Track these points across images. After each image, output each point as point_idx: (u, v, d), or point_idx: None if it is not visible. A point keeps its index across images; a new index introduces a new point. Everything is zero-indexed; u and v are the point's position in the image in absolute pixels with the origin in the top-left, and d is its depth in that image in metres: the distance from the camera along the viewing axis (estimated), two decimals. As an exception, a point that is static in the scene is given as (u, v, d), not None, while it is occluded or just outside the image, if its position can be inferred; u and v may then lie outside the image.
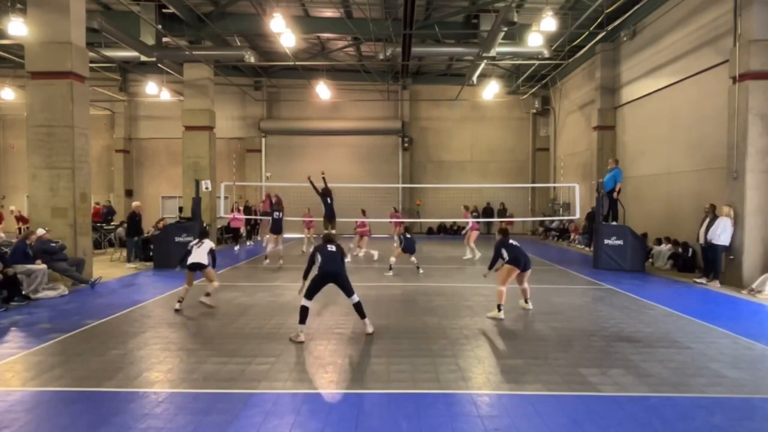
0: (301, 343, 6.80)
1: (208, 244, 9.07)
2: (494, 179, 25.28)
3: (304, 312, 6.98)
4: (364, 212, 16.58)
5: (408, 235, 13.05)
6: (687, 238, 13.47)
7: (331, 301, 9.57)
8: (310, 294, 7.09)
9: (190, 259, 8.84)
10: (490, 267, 8.66)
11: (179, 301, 8.75)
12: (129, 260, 14.32)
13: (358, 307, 7.25)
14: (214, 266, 9.09)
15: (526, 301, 8.85)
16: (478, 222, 15.86)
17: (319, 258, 7.21)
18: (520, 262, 8.27)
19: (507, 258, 8.33)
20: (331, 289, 10.14)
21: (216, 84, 20.65)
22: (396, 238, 13.49)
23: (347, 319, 8.10)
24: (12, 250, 10.16)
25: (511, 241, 8.45)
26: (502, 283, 8.27)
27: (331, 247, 7.38)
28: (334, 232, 7.89)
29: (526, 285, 8.72)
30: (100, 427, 4.34)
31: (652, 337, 7.18)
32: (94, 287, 10.83)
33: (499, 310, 8.20)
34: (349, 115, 25.80)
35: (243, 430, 4.31)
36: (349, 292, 7.22)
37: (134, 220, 14.49)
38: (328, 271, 7.12)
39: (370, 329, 7.26)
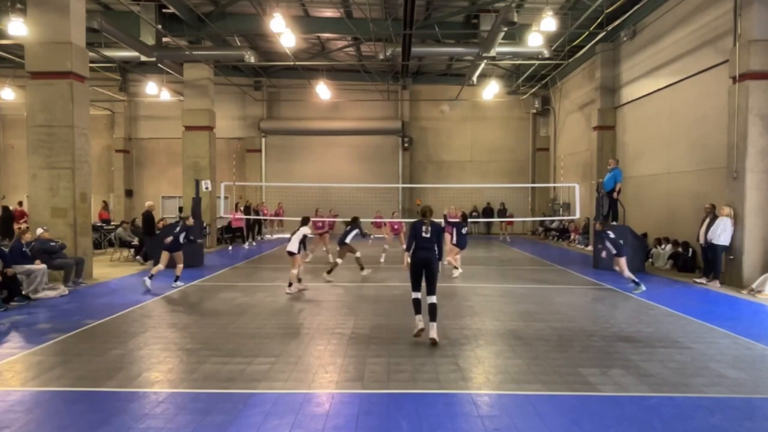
0: (422, 330, 6.78)
1: (301, 232, 10.45)
2: (494, 179, 25.27)
3: (416, 303, 6.95)
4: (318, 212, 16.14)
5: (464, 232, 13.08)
6: (687, 238, 13.47)
7: (330, 300, 9.58)
8: (415, 286, 6.96)
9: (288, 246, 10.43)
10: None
11: (290, 285, 10.22)
12: (146, 259, 14.45)
13: (432, 309, 6.82)
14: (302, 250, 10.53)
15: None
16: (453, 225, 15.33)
17: (414, 239, 6.93)
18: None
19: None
20: (330, 288, 10.05)
21: (216, 84, 20.65)
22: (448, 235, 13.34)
23: (347, 319, 8.11)
24: (9, 251, 10.15)
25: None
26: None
27: (426, 230, 6.89)
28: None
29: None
30: (101, 427, 4.34)
31: (652, 337, 7.18)
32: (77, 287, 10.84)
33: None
34: (349, 115, 25.80)
35: (243, 430, 4.31)
36: (431, 288, 6.86)
37: (149, 219, 14.63)
38: (422, 259, 6.84)
39: (432, 333, 6.67)
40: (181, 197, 21.52)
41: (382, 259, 14.93)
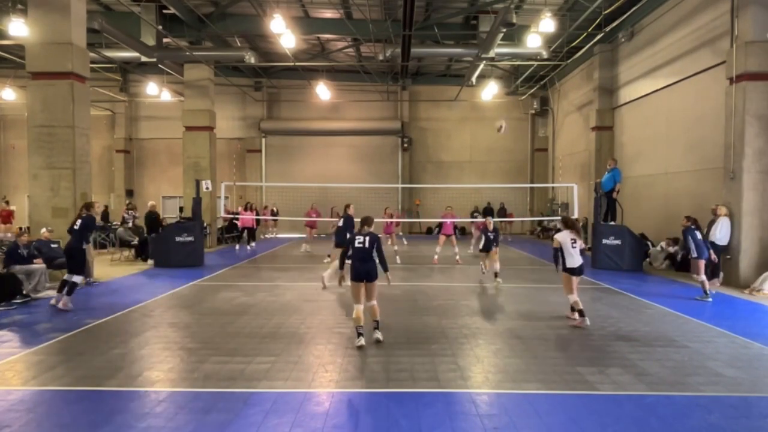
0: (361, 347, 6.51)
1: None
2: (493, 179, 25.30)
3: (359, 321, 6.64)
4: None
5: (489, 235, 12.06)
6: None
7: (330, 300, 9.61)
8: (357, 299, 6.74)
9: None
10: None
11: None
12: (147, 258, 14.48)
13: (373, 312, 6.80)
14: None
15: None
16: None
17: (351, 251, 6.77)
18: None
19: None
20: (330, 288, 10.11)
21: (216, 84, 20.69)
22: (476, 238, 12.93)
23: (347, 318, 8.12)
24: (6, 252, 10.19)
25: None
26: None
27: (360, 240, 6.71)
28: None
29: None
30: (101, 426, 4.37)
31: (649, 336, 7.22)
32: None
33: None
34: (348, 115, 25.84)
35: (243, 429, 4.34)
36: (370, 296, 6.78)
37: (152, 218, 14.70)
38: (361, 271, 6.68)
39: (377, 335, 6.79)
40: (182, 197, 21.55)
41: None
